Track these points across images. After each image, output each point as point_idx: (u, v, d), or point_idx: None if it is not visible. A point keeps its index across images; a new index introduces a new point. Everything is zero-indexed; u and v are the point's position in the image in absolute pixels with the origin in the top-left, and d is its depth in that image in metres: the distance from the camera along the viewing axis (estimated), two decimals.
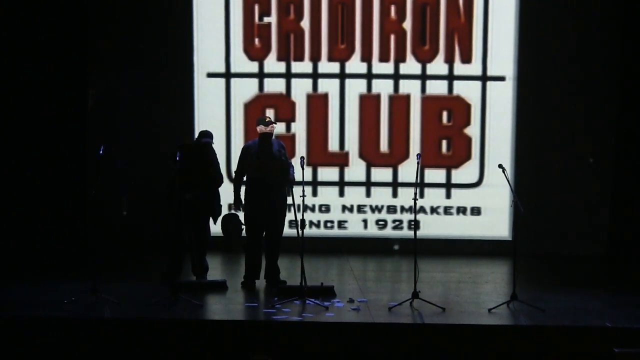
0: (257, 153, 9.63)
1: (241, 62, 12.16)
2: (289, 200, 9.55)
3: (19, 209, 11.59)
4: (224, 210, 11.28)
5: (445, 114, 12.20)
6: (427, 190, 12.22)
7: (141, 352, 8.00)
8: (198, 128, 11.99)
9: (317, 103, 12.21)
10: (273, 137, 9.80)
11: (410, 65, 12.16)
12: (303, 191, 9.05)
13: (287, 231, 9.88)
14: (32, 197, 11.65)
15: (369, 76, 12.19)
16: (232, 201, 9.85)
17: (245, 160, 9.71)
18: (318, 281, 9.58)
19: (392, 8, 12.11)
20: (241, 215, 9.96)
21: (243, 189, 9.78)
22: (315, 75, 12.19)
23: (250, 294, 9.43)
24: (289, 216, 11.86)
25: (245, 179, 9.77)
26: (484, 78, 12.16)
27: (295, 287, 9.10)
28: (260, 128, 9.70)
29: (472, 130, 12.21)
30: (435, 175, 12.19)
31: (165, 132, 11.92)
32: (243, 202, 9.74)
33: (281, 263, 10.20)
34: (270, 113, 12.07)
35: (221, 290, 9.45)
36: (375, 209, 12.25)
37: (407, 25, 12.14)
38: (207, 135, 9.97)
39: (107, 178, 10.29)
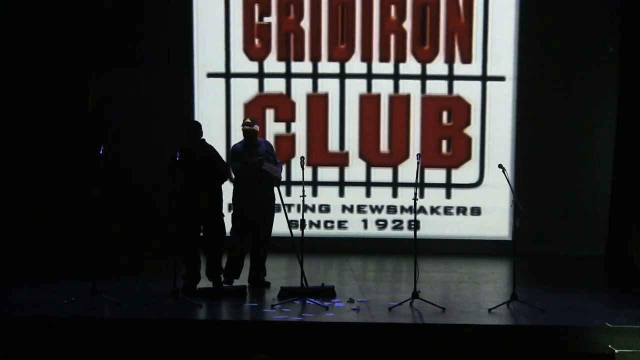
0: (245, 154, 9.63)
1: (241, 62, 12.15)
2: (278, 199, 9.59)
3: (19, 209, 11.58)
4: None
5: (445, 114, 12.21)
6: (427, 190, 12.22)
7: (141, 352, 8.00)
8: None
9: (317, 103, 12.21)
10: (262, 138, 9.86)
11: (410, 65, 12.16)
12: (303, 191, 9.05)
13: (288, 231, 9.85)
14: (32, 197, 11.64)
15: (369, 76, 12.19)
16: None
17: (235, 161, 9.70)
18: (318, 281, 9.58)
19: (392, 8, 12.11)
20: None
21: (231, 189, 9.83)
22: (315, 75, 12.19)
23: (250, 294, 9.42)
24: (290, 216, 11.94)
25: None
26: (484, 78, 12.16)
27: (296, 288, 9.12)
28: (245, 128, 9.71)
29: (472, 130, 12.21)
30: (435, 175, 12.19)
31: (166, 132, 11.92)
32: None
33: (281, 263, 10.23)
34: (270, 113, 12.09)
35: (242, 297, 9.25)
36: (375, 209, 12.25)
37: (407, 25, 12.14)
38: (199, 129, 9.63)
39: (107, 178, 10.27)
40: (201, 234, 9.55)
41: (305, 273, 9.17)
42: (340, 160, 12.24)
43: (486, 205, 12.22)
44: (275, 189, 9.77)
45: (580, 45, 12.04)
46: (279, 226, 10.01)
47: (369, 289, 9.83)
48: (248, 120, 9.83)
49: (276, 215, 9.96)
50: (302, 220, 9.06)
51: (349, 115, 12.21)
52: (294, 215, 11.87)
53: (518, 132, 12.13)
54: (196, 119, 11.97)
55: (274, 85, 12.19)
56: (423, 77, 12.17)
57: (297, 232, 9.24)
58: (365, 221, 12.26)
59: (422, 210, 12.19)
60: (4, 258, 10.95)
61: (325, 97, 12.21)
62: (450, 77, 12.17)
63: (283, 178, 11.93)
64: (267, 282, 9.79)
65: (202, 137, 9.58)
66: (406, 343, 8.09)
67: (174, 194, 9.06)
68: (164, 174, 9.45)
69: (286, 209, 9.93)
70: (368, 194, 12.26)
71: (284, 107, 12.18)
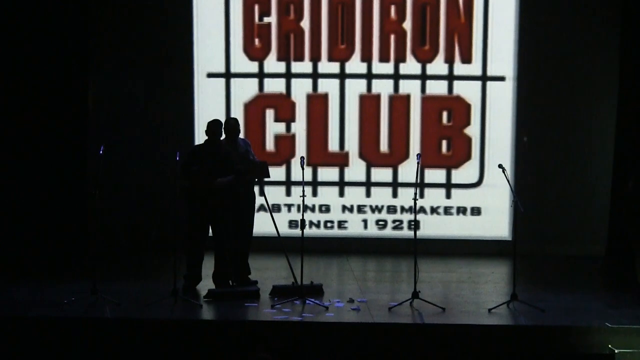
0: (233, 151, 9.60)
1: (241, 62, 12.15)
2: (262, 199, 9.60)
3: (19, 209, 11.58)
4: None
5: (445, 114, 12.20)
6: (427, 190, 12.22)
7: (141, 352, 8.00)
8: (198, 128, 12.00)
9: (317, 103, 12.21)
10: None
11: (410, 65, 12.16)
12: (303, 191, 9.05)
13: (288, 231, 9.88)
14: (32, 197, 11.64)
15: (369, 76, 12.19)
16: None
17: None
18: (318, 282, 9.57)
19: (392, 8, 12.11)
20: None
21: None
22: (315, 75, 12.19)
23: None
24: (289, 216, 11.96)
25: None
26: (484, 78, 12.16)
27: (288, 286, 9.22)
28: (229, 128, 9.68)
29: (472, 130, 12.21)
30: (435, 175, 12.19)
31: (165, 132, 11.94)
32: None
33: (281, 263, 10.20)
34: (270, 113, 12.09)
35: (255, 299, 9.19)
36: (375, 209, 12.25)
37: (407, 25, 12.14)
38: (219, 128, 9.53)
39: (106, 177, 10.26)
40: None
41: (306, 273, 9.17)
42: (340, 160, 12.24)
43: (486, 205, 12.22)
44: (257, 189, 9.77)
45: (580, 45, 12.04)
46: (280, 226, 10.00)
47: (369, 289, 9.83)
48: (232, 120, 9.85)
49: (275, 215, 9.96)
50: (302, 220, 9.06)
51: (349, 115, 12.21)
52: (294, 215, 11.92)
53: (518, 132, 12.13)
54: (196, 119, 11.99)
55: (274, 85, 12.19)
56: (423, 77, 12.17)
57: (297, 232, 9.24)
58: (365, 221, 12.26)
59: (422, 210, 12.19)
60: (4, 258, 10.95)
61: (325, 97, 12.21)
62: (450, 77, 12.17)
63: (282, 178, 11.99)
64: (255, 280, 9.75)
65: (222, 137, 9.56)
66: (406, 343, 8.09)
67: (185, 190, 9.12)
68: (163, 173, 9.46)
69: (270, 208, 9.98)
70: (368, 194, 12.26)
71: (284, 107, 12.17)
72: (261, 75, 12.19)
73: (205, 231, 9.44)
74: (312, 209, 12.16)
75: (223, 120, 9.72)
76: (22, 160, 11.68)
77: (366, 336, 8.15)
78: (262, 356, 7.63)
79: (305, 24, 12.15)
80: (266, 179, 9.99)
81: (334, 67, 12.18)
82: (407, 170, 12.09)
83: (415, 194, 9.13)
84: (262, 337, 8.03)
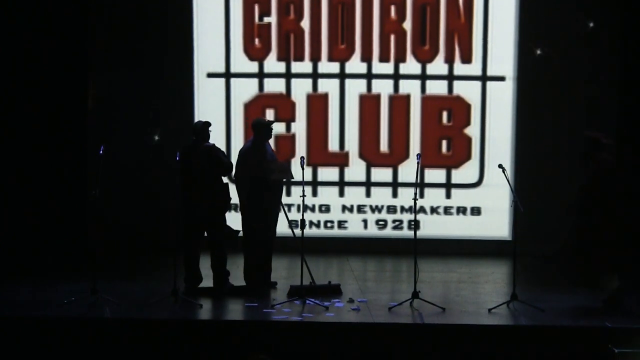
0: (264, 154, 9.58)
1: (241, 62, 12.16)
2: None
3: (19, 209, 11.58)
4: None
5: (445, 114, 12.21)
6: (427, 190, 12.22)
7: (141, 352, 8.00)
8: None
9: (317, 103, 12.21)
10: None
11: (410, 65, 12.16)
12: (303, 191, 9.05)
13: (288, 231, 9.85)
14: (33, 197, 11.64)
15: (369, 76, 12.19)
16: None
17: (254, 161, 9.60)
18: (318, 281, 9.57)
19: (392, 8, 12.12)
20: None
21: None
22: (315, 75, 12.19)
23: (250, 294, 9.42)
24: (289, 216, 11.95)
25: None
26: (484, 78, 12.16)
27: (307, 286, 9.19)
28: (266, 129, 9.67)
29: (472, 130, 12.21)
30: (435, 175, 12.19)
31: (165, 132, 11.94)
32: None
33: (281, 263, 10.21)
34: (270, 113, 12.09)
35: (243, 296, 9.22)
36: (375, 209, 12.25)
37: (407, 25, 12.14)
38: (203, 133, 9.59)
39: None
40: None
41: (305, 273, 9.18)
42: (340, 160, 12.24)
43: (486, 205, 12.22)
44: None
45: (580, 45, 12.04)
46: (281, 226, 9.99)
47: (369, 289, 9.84)
48: (268, 120, 9.86)
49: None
50: (302, 220, 9.07)
51: (349, 115, 12.21)
52: (294, 215, 11.90)
53: (518, 132, 12.13)
54: (196, 119, 11.97)
55: (274, 85, 12.20)
56: (423, 77, 12.18)
57: (297, 232, 9.25)
58: (365, 221, 12.26)
59: (422, 210, 12.19)
60: (4, 258, 10.95)
61: (325, 97, 12.21)
62: (450, 77, 12.17)
63: None
64: (274, 282, 9.77)
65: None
66: (406, 343, 8.10)
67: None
68: (168, 173, 9.46)
69: (286, 209, 9.97)
70: (368, 194, 12.26)
71: (284, 107, 12.18)
72: (261, 75, 12.19)
73: (200, 233, 9.43)
74: (312, 209, 12.16)
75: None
76: (21, 161, 11.67)
77: (366, 336, 8.16)
78: (261, 358, 7.63)
79: (305, 24, 12.15)
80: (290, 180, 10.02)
81: (334, 67, 12.18)
82: (407, 170, 12.09)
83: (415, 194, 9.14)
84: (262, 338, 8.03)
